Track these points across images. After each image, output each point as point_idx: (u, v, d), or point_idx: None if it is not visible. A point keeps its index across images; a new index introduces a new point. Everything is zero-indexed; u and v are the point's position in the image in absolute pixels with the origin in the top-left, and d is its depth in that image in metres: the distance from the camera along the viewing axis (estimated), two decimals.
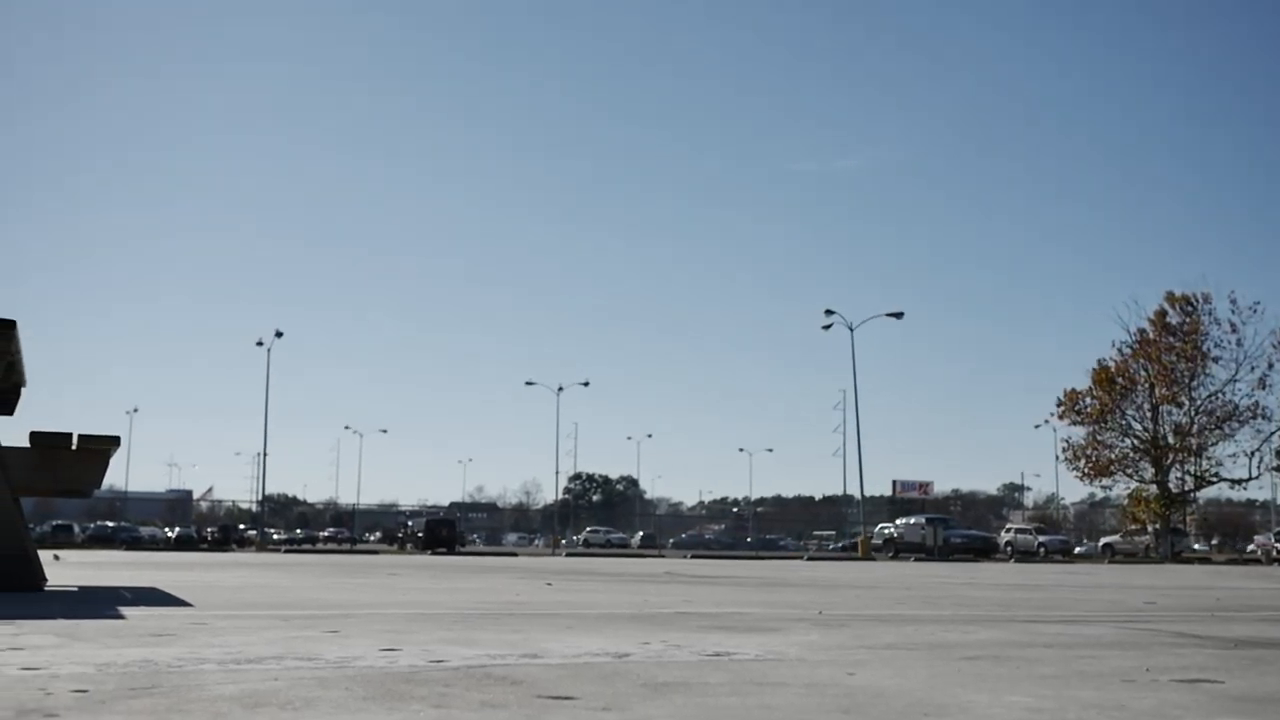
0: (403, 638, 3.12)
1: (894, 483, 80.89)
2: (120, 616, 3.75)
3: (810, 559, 35.31)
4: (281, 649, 2.74)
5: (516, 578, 9.34)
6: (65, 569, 9.11)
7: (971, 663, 2.76)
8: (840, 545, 70.22)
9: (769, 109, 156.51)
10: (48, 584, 5.38)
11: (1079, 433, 47.41)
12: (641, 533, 75.06)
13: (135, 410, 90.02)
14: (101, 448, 5.26)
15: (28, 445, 5.23)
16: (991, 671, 2.58)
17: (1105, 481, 47.48)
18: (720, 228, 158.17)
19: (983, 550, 43.50)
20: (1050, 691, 2.25)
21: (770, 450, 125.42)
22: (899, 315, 50.92)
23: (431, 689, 2.10)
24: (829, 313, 51.82)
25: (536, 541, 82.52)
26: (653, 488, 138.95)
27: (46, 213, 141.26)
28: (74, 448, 5.23)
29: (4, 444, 5.21)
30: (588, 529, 76.10)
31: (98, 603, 4.55)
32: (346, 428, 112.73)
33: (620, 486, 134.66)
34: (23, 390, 6.54)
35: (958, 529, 48.18)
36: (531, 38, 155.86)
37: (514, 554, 40.07)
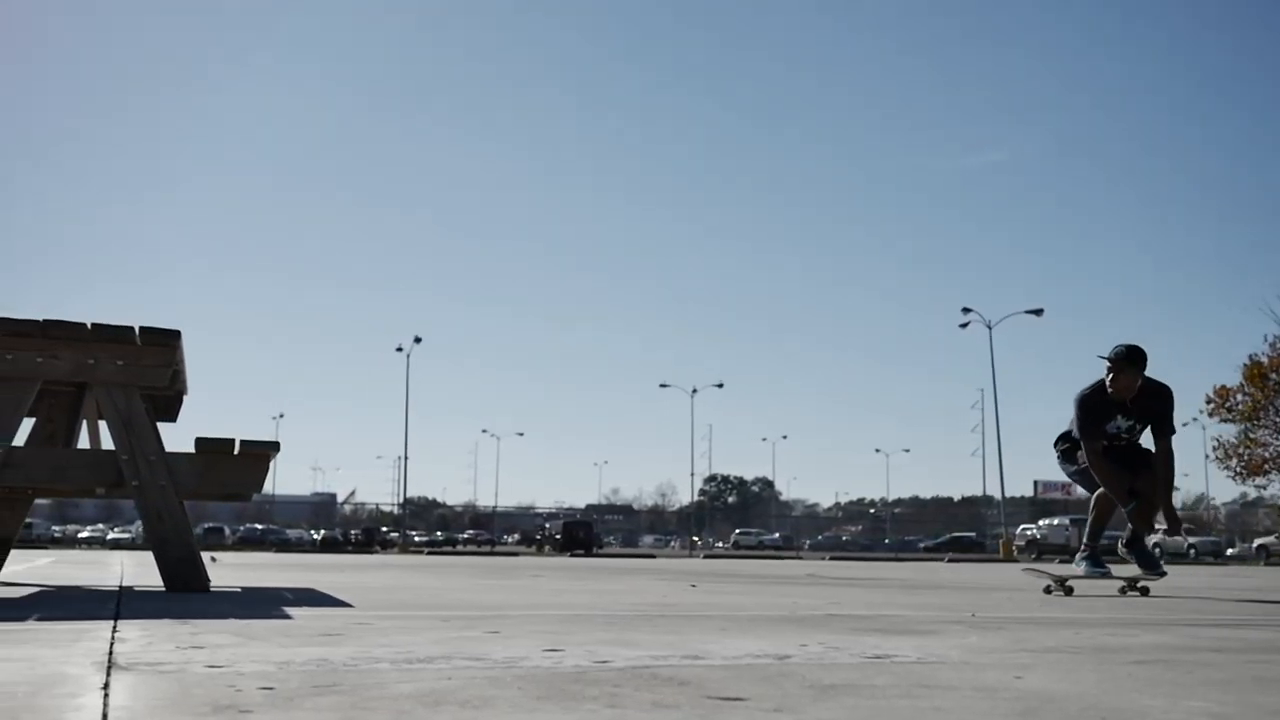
0: (562, 638, 3.16)
1: (1035, 483, 79.33)
2: (287, 617, 3.86)
3: (951, 560, 34.81)
4: (448, 649, 2.80)
5: (659, 579, 9.38)
6: (223, 570, 9.40)
7: (1141, 667, 2.71)
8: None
9: (902, 105, 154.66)
10: (211, 585, 5.55)
11: (1230, 430, 45.96)
12: (777, 534, 74.69)
13: (281, 416, 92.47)
14: (262, 453, 5.42)
15: (192, 451, 5.41)
16: (1163, 676, 2.52)
17: (1259, 481, 45.93)
18: (854, 226, 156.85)
19: None
20: (1231, 697, 2.20)
21: (907, 451, 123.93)
22: (1039, 312, 49.93)
23: (602, 689, 2.13)
24: (966, 311, 51.06)
25: (672, 543, 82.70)
26: (788, 489, 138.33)
27: (197, 222, 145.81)
28: (236, 453, 5.40)
29: (169, 450, 5.41)
30: (738, 530, 75.73)
31: (263, 603, 4.69)
32: (484, 431, 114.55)
33: (755, 488, 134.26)
34: (184, 397, 6.79)
35: None
36: (660, 36, 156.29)
37: (651, 556, 40.25)
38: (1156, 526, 7.19)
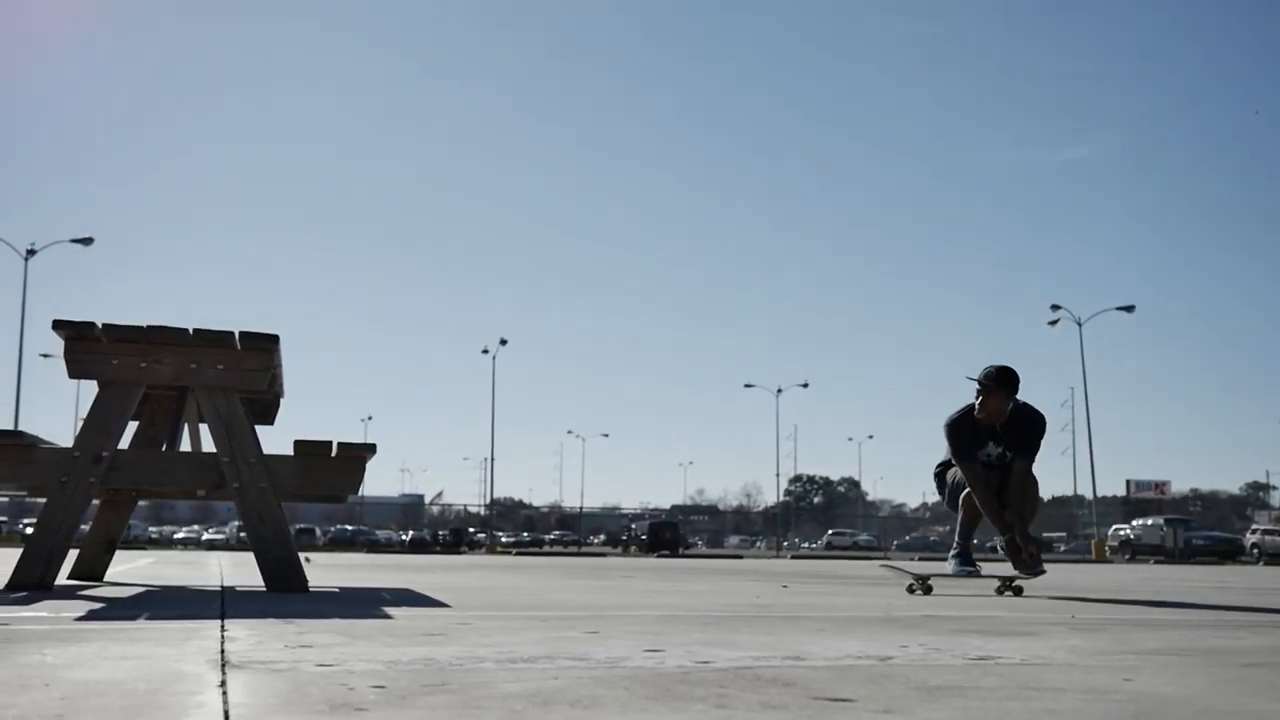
0: (661, 639, 3.17)
1: (1128, 482, 78.03)
2: (388, 617, 3.92)
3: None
4: (550, 649, 2.82)
5: (749, 580, 9.36)
6: (318, 571, 9.54)
7: (1253, 670, 2.66)
8: (1068, 547, 67.96)
9: (986, 102, 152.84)
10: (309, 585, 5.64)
11: None
12: (868, 535, 74.07)
13: (369, 418, 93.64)
14: (359, 454, 5.50)
15: (290, 453, 5.50)
16: (1277, 680, 2.48)
17: None
18: (940, 224, 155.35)
19: (1227, 553, 41.51)
20: None
21: None
22: (1130, 309, 49.14)
23: (708, 689, 2.14)
24: (1055, 308, 50.34)
25: (758, 544, 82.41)
26: (874, 489, 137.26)
27: (288, 225, 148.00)
28: (333, 455, 5.48)
29: (267, 452, 5.50)
30: (830, 531, 75.07)
31: (363, 603, 4.76)
32: (569, 432, 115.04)
33: (841, 488, 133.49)
34: (280, 401, 6.90)
35: (1199, 530, 46.11)
36: (741, 35, 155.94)
37: (738, 556, 40.17)
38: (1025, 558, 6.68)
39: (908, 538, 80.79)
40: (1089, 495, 52.50)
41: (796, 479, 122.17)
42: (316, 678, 2.20)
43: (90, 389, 5.45)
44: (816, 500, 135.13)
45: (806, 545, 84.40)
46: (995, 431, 6.80)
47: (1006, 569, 7.06)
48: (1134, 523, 47.93)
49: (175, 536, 58.32)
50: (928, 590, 6.59)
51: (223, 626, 3.34)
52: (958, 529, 7.17)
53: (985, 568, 7.47)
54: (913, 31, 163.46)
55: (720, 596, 6.15)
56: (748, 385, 74.17)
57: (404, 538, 60.10)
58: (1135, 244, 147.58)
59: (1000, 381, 6.64)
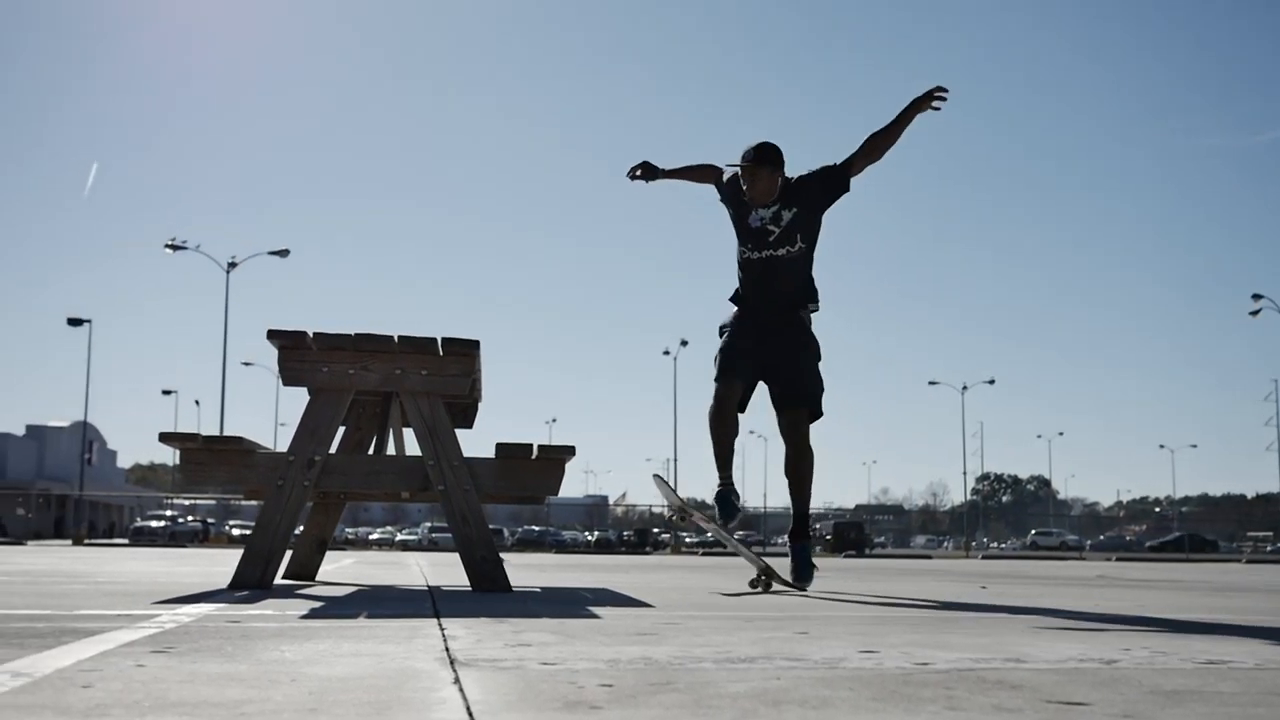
0: (874, 640, 3.15)
1: None
2: (596, 616, 3.97)
3: (1248, 562, 32.95)
4: (764, 649, 2.83)
5: (945, 581, 9.21)
6: (513, 571, 9.70)
7: None
8: (1274, 547, 65.09)
9: (1174, 86, 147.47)
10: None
11: None
12: (1070, 535, 71.94)
13: (554, 420, 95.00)
14: (559, 457, 5.59)
15: (492, 456, 5.62)
16: None
17: None
18: (1128, 212, 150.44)
19: None
20: None
21: (1194, 446, 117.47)
22: None
23: (934, 691, 2.11)
24: (1257, 297, 48.28)
25: (945, 544, 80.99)
26: (1065, 487, 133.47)
27: (483, 234, 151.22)
28: (534, 457, 5.58)
29: (467, 455, 5.63)
30: (1034, 531, 73.08)
31: (566, 603, 4.84)
32: (751, 432, 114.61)
33: (1031, 487, 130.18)
34: (479, 405, 7.06)
35: None
36: (916, 36, 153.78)
37: (927, 556, 39.55)
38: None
39: (1101, 537, 78.44)
40: None
41: (984, 477, 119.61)
42: (544, 676, 2.25)
43: (291, 394, 5.66)
44: (1005, 499, 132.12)
45: (995, 545, 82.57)
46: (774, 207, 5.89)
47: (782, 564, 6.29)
48: None
49: (370, 537, 60.14)
50: (767, 588, 6.03)
51: (440, 625, 3.43)
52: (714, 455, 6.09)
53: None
54: (1101, 17, 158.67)
55: (921, 597, 6.06)
56: (932, 382, 73.03)
57: (589, 538, 60.82)
58: None
59: (761, 158, 5.78)
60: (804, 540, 6.12)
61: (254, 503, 8.16)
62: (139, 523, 55.27)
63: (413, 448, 6.34)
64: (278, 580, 5.72)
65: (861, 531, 52.21)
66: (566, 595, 5.54)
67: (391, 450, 6.76)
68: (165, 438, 5.61)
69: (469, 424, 7.07)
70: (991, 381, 72.25)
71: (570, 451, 5.59)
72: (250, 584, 5.29)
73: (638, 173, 6.23)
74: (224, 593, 5.08)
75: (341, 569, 9.54)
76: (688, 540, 57.75)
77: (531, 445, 5.59)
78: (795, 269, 5.93)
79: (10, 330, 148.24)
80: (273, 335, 5.41)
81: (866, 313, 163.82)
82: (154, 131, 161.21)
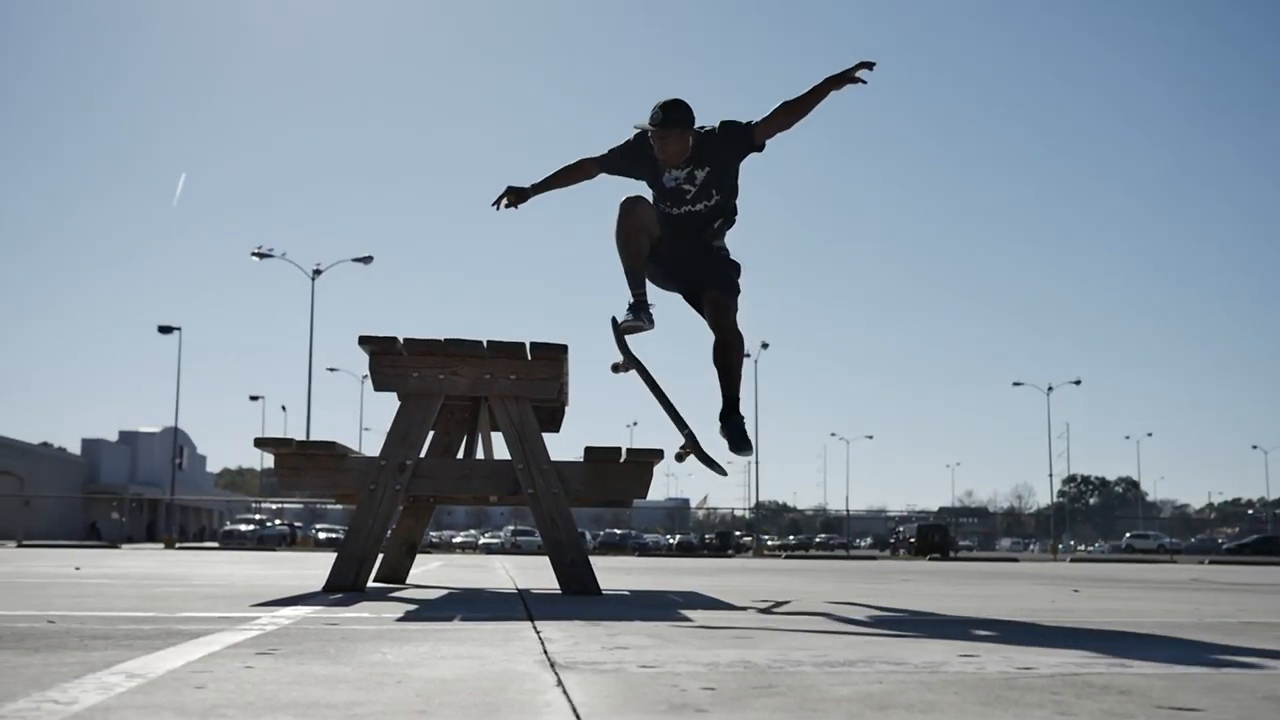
0: (973, 644, 3.12)
1: None
2: (688, 619, 3.97)
3: None
4: (861, 652, 2.81)
5: (1036, 584, 9.10)
6: (598, 574, 9.73)
7: None
8: None
9: (1234, 80, 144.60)
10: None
11: None
12: (1167, 537, 70.49)
13: (635, 424, 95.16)
14: (647, 460, 5.60)
15: (580, 460, 5.64)
16: None
17: None
18: (1219, 209, 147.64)
19: None
20: None
21: None
22: None
23: (1041, 696, 2.09)
24: None
25: (1031, 547, 79.98)
26: (1155, 489, 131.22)
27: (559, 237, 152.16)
28: (622, 461, 5.60)
29: (555, 459, 5.66)
30: (1129, 534, 71.74)
31: (656, 606, 4.85)
32: (833, 434, 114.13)
33: (1119, 488, 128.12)
34: (565, 409, 7.09)
35: None
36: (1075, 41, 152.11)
37: (1013, 559, 39.06)
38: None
39: (1193, 539, 76.97)
40: None
41: (1070, 479, 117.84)
42: (645, 679, 2.25)
43: (375, 399, 5.71)
44: (1092, 501, 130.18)
45: (1083, 548, 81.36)
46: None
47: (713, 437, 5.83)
48: None
49: (454, 540, 60.59)
50: (700, 455, 5.67)
51: (535, 628, 3.45)
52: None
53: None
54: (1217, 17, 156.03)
55: (1011, 600, 6.00)
56: (1016, 383, 72.08)
57: (670, 541, 60.83)
58: None
59: (670, 119, 5.38)
60: (736, 415, 5.72)
61: (339, 506, 8.27)
62: (228, 526, 56.24)
63: (500, 452, 6.39)
64: (370, 583, 5.78)
65: (946, 534, 51.72)
66: (655, 599, 5.55)
67: (480, 454, 6.81)
68: (260, 443, 5.70)
69: (556, 428, 7.11)
70: (1078, 382, 71.15)
71: (658, 455, 5.60)
72: (344, 587, 5.36)
73: (505, 201, 5.82)
74: (319, 595, 5.16)
75: (429, 572, 9.63)
76: (769, 544, 57.55)
77: (620, 448, 5.61)
78: (712, 221, 5.74)
79: (103, 339, 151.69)
80: (364, 341, 5.48)
81: (950, 313, 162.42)
82: (241, 141, 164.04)
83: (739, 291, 5.73)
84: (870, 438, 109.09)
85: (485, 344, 5.52)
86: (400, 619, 3.80)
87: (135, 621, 3.58)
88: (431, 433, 6.54)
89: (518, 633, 3.29)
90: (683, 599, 5.42)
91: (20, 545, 33.49)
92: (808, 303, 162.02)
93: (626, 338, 5.59)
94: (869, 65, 5.33)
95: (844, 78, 5.35)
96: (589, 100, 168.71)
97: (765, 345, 58.26)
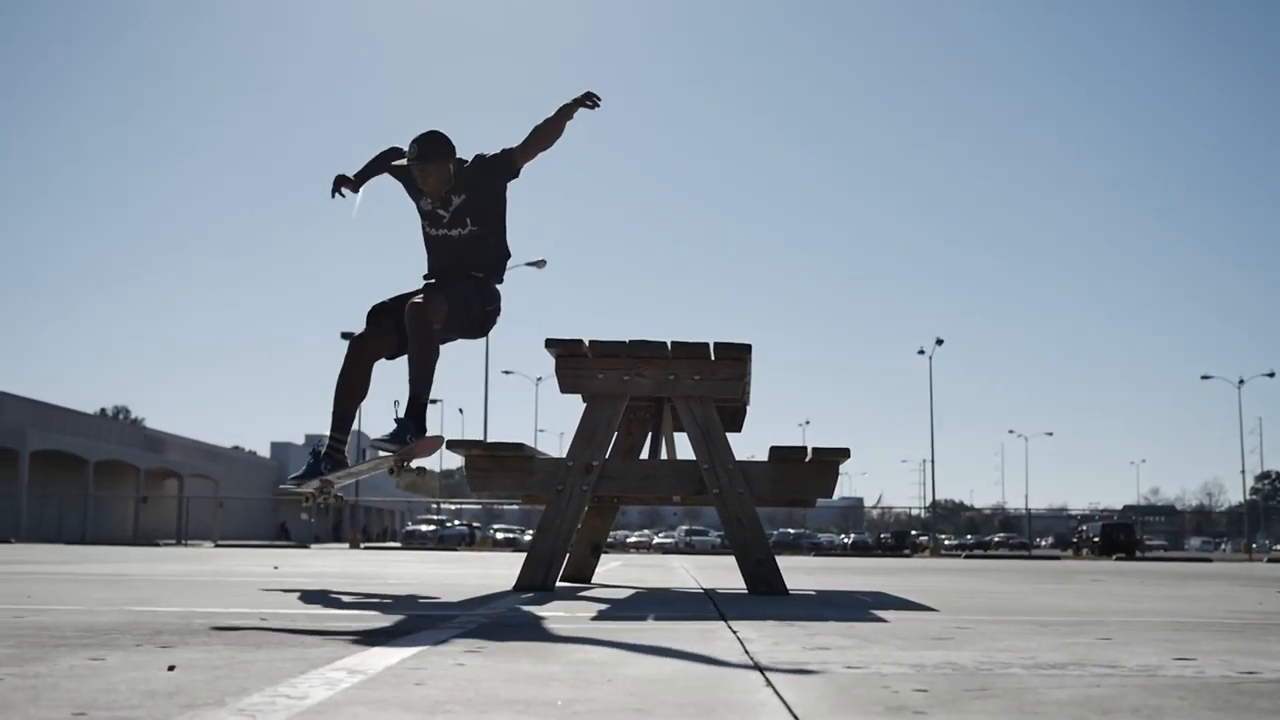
0: (1184, 647, 3.02)
1: None
2: (881, 620, 3.93)
3: None
4: (1071, 655, 2.75)
5: (1235, 585, 8.75)
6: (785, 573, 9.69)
7: None
8: None
9: None
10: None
11: None
12: None
13: (807, 423, 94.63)
14: (833, 459, 5.56)
15: (765, 460, 5.63)
16: None
17: None
18: None
19: None
20: None
21: None
22: None
23: (1272, 701, 2.01)
24: None
25: (1223, 546, 76.94)
26: None
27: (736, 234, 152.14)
28: (808, 460, 5.57)
29: (739, 458, 5.65)
30: None
31: (845, 606, 4.81)
32: (1010, 431, 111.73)
33: None
34: (747, 409, 7.08)
35: None
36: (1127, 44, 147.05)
37: (1206, 559, 37.68)
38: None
39: None
40: None
41: (1264, 476, 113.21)
42: (854, 680, 2.24)
43: (550, 402, 5.78)
44: None
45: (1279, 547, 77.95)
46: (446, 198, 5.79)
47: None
48: None
49: (628, 540, 61.07)
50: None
51: (730, 627, 3.46)
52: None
53: None
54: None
55: (1213, 603, 5.78)
56: (1204, 377, 69.42)
57: (845, 541, 60.31)
58: None
59: (425, 155, 5.61)
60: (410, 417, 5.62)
61: (516, 506, 8.40)
62: (409, 527, 57.61)
63: (684, 452, 6.42)
64: (558, 583, 5.86)
65: (1131, 533, 50.04)
66: (843, 598, 5.50)
67: (663, 455, 6.85)
68: (451, 445, 5.83)
69: (738, 428, 7.10)
70: (1271, 374, 68.21)
71: (844, 454, 5.55)
72: (534, 586, 5.44)
73: (340, 190, 6.02)
74: (510, 594, 5.25)
75: (610, 571, 9.72)
76: (946, 543, 56.57)
77: (805, 447, 5.59)
78: (467, 247, 5.87)
79: (289, 346, 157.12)
80: (550, 344, 5.55)
81: (1134, 307, 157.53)
82: None
83: (461, 304, 5.75)
84: (1050, 434, 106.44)
85: (669, 345, 5.54)
86: (595, 618, 3.85)
87: (342, 620, 3.70)
88: (615, 434, 6.61)
89: (714, 632, 3.30)
90: (872, 599, 5.36)
91: (216, 545, 34.94)
92: (982, 299, 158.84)
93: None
94: (594, 96, 5.88)
95: (577, 103, 5.86)
96: (761, 103, 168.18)
97: (940, 341, 57.30)
